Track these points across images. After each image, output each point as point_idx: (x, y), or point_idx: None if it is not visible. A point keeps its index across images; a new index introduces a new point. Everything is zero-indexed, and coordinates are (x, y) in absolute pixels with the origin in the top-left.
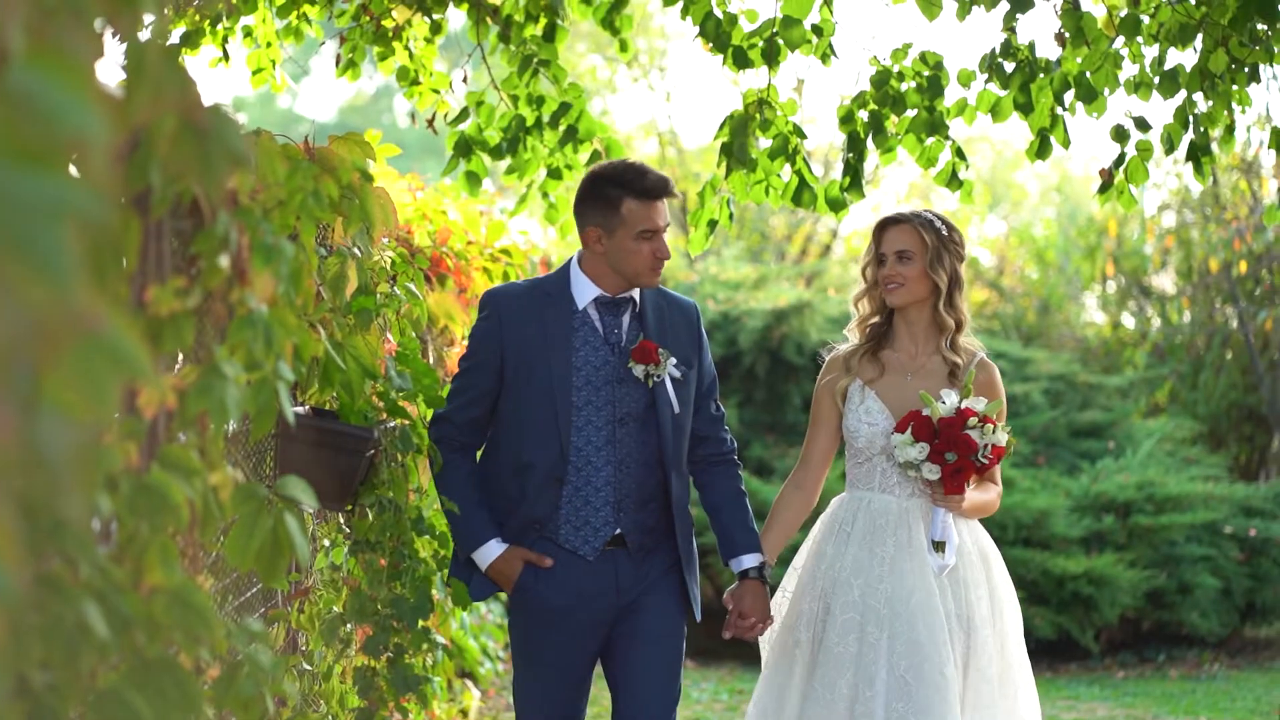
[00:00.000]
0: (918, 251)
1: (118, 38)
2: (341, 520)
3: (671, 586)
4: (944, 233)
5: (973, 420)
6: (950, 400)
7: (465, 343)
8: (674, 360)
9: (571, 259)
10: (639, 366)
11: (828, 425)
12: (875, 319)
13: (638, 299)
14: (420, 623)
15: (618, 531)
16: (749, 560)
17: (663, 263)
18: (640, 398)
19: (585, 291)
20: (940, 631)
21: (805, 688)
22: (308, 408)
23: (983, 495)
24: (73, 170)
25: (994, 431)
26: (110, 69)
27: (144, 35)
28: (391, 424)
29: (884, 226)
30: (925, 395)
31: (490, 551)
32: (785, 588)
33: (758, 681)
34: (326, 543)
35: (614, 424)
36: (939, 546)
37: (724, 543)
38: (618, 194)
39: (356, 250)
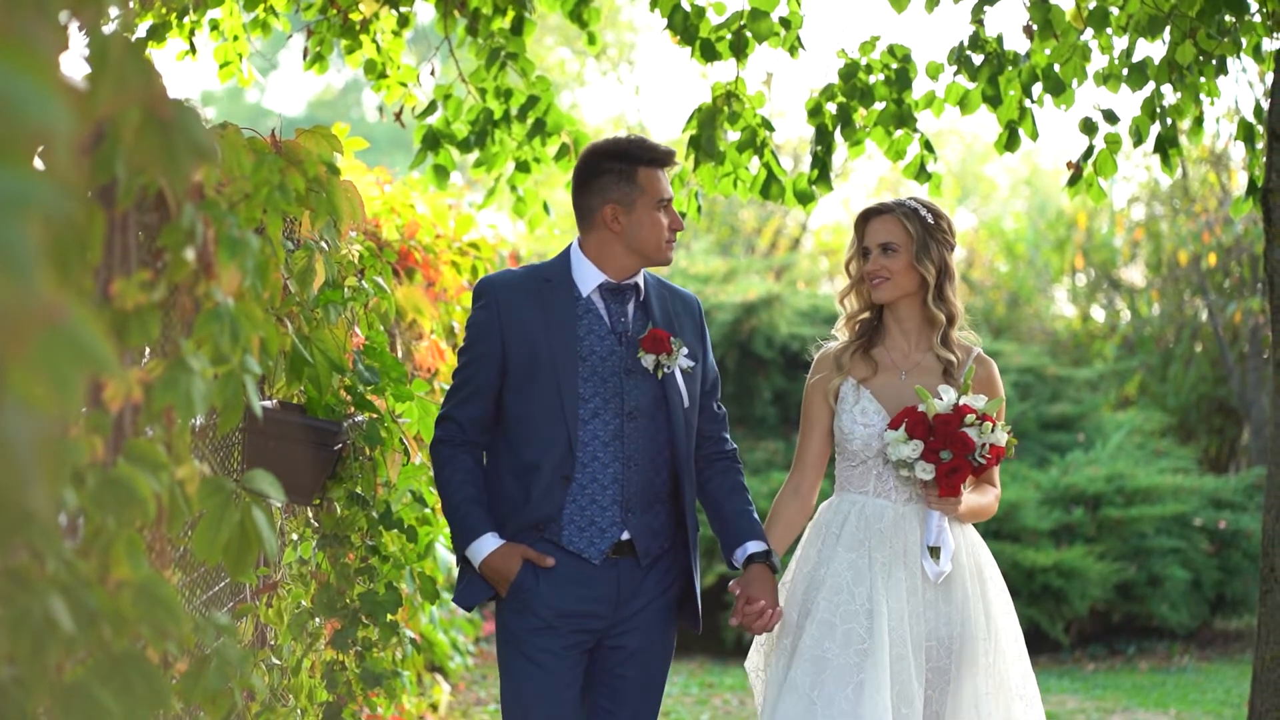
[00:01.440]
0: (902, 243)
1: (82, 30)
2: (310, 514)
3: (664, 618)
4: (930, 221)
5: (970, 418)
6: (948, 397)
7: (434, 337)
8: (685, 351)
9: (571, 245)
10: (649, 357)
11: (821, 425)
12: (864, 315)
13: (642, 286)
14: (389, 617)
15: (626, 537)
16: (754, 545)
17: (676, 235)
18: (649, 391)
19: (589, 277)
20: (916, 653)
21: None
22: (275, 401)
23: (980, 498)
24: (37, 163)
25: (993, 430)
26: (74, 61)
27: (108, 28)
28: (359, 418)
29: (866, 218)
30: (922, 390)
31: (485, 545)
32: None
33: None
34: (295, 537)
35: (622, 418)
36: (934, 553)
37: (728, 532)
38: (630, 166)
39: (324, 244)
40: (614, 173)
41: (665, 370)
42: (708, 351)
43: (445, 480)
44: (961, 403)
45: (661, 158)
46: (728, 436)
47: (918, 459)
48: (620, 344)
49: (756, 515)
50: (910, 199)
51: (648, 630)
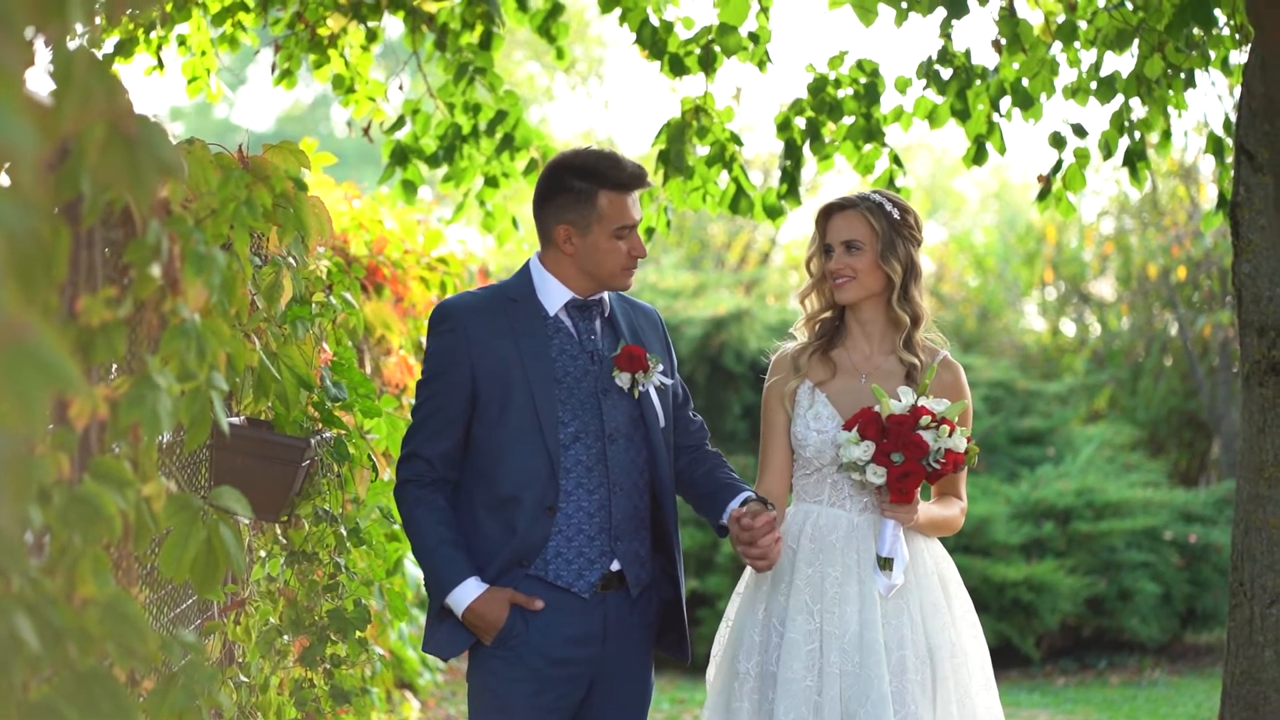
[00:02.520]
0: (867, 241)
1: (47, 46)
2: (278, 531)
3: (645, 646)
4: (896, 217)
5: (926, 420)
6: (906, 398)
7: (403, 353)
8: (661, 367)
9: (530, 261)
10: (624, 375)
11: (780, 430)
12: (825, 315)
13: (607, 301)
14: (357, 634)
15: (616, 567)
16: (747, 492)
17: (637, 262)
18: (626, 411)
19: (555, 295)
20: (877, 667)
21: None
22: (243, 418)
23: (942, 511)
24: (2, 179)
25: (950, 435)
26: (39, 77)
27: (73, 43)
28: (327, 434)
29: (828, 213)
30: (878, 390)
31: (468, 592)
32: (727, 616)
33: (704, 711)
34: (263, 554)
35: (604, 441)
36: (885, 564)
37: (714, 495)
38: (591, 186)
39: (291, 259)
40: (573, 192)
41: (641, 389)
42: (673, 364)
43: (417, 523)
44: (920, 404)
45: (628, 181)
46: (709, 443)
47: (868, 461)
48: (593, 363)
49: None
50: (875, 192)
51: (629, 660)
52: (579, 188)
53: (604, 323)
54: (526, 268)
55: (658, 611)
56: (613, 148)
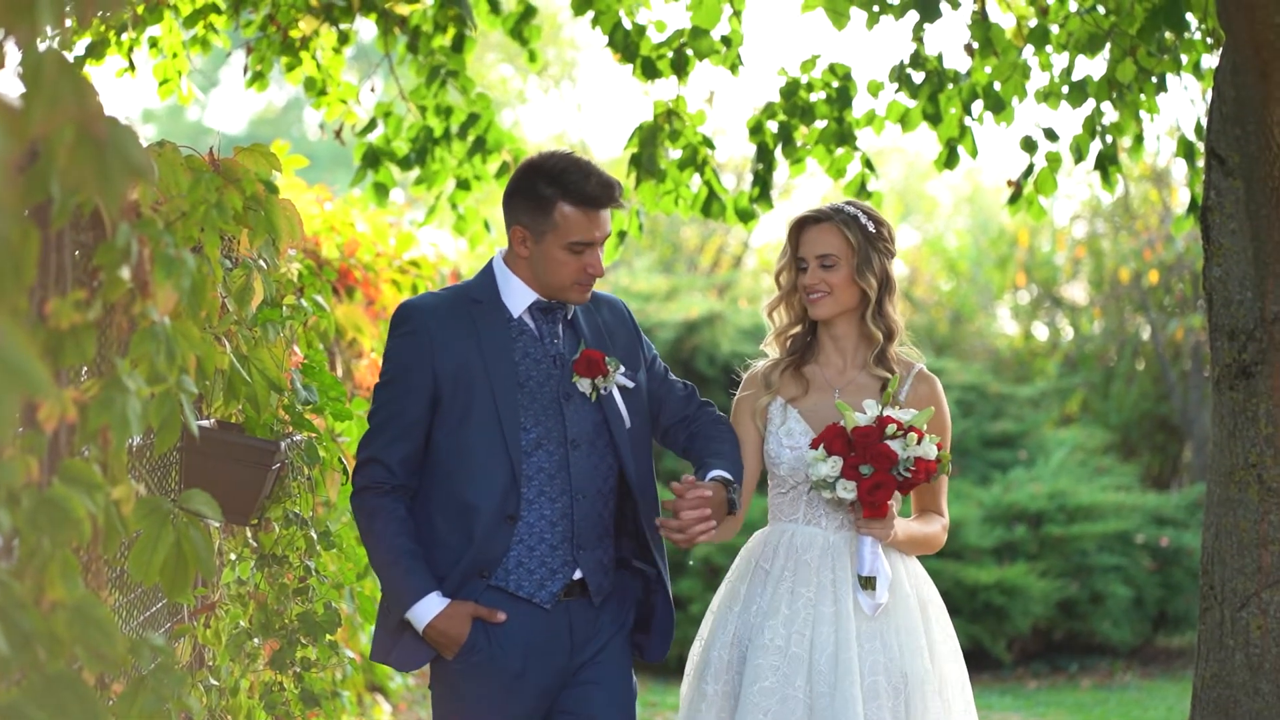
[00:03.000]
0: (843, 255)
1: (17, 48)
2: (248, 534)
3: (622, 655)
4: (871, 230)
5: (892, 429)
6: (871, 410)
7: (374, 355)
8: (622, 369)
9: (493, 260)
10: (584, 380)
11: (749, 444)
12: (796, 330)
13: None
14: (328, 637)
15: (578, 576)
16: (722, 472)
17: (593, 280)
18: (589, 416)
19: (519, 296)
20: (850, 689)
21: None
22: (213, 421)
23: (923, 527)
24: None
25: (919, 443)
26: (8, 79)
27: (43, 46)
28: (298, 437)
29: (801, 226)
30: (841, 404)
31: (429, 607)
32: (700, 634)
33: None
34: (233, 557)
35: (566, 447)
36: (867, 583)
37: (701, 450)
38: (553, 195)
39: (262, 262)
40: (533, 196)
41: (602, 392)
42: (645, 347)
43: (377, 533)
44: (885, 414)
45: (590, 197)
46: (706, 400)
47: (838, 477)
48: (556, 367)
49: (738, 455)
50: (848, 204)
51: (608, 668)
52: (540, 193)
53: (566, 325)
54: (489, 267)
55: (631, 608)
56: (586, 151)
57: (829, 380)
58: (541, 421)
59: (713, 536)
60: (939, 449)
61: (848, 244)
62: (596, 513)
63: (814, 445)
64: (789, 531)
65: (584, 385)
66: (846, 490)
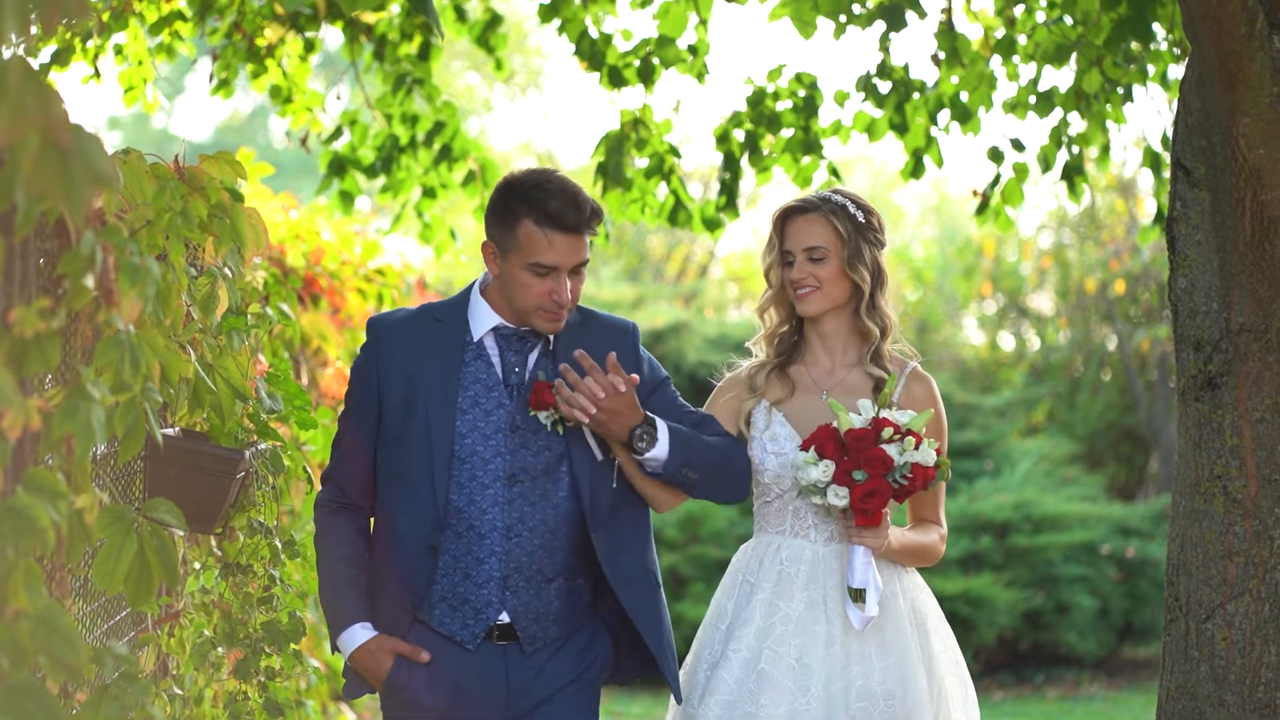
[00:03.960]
0: (832, 247)
1: None
2: (213, 543)
3: (576, 710)
4: (861, 219)
5: (889, 432)
6: (866, 412)
7: (340, 364)
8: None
9: (475, 281)
10: (543, 413)
11: None
12: (785, 329)
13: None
14: (292, 646)
15: (504, 619)
16: (661, 419)
17: (561, 309)
18: (541, 450)
19: (483, 319)
20: (840, 713)
21: None
22: (177, 429)
23: (919, 536)
24: None
25: (917, 448)
26: None
27: (7, 53)
28: (263, 446)
29: (787, 217)
30: (834, 404)
31: (353, 638)
32: (687, 663)
33: None
34: (197, 566)
35: (503, 481)
36: (857, 595)
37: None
38: (519, 210)
39: (227, 270)
40: (502, 211)
41: (568, 425)
42: (648, 371)
43: (320, 551)
44: (881, 416)
45: (553, 218)
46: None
47: (829, 482)
48: (510, 398)
49: (704, 442)
50: (834, 192)
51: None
52: (508, 208)
53: (542, 355)
54: (468, 289)
55: (599, 659)
56: (552, 160)
57: (816, 381)
58: (479, 451)
59: (602, 424)
60: (937, 454)
61: (837, 235)
62: (536, 554)
63: (804, 447)
64: (775, 544)
65: (544, 418)
66: (838, 497)
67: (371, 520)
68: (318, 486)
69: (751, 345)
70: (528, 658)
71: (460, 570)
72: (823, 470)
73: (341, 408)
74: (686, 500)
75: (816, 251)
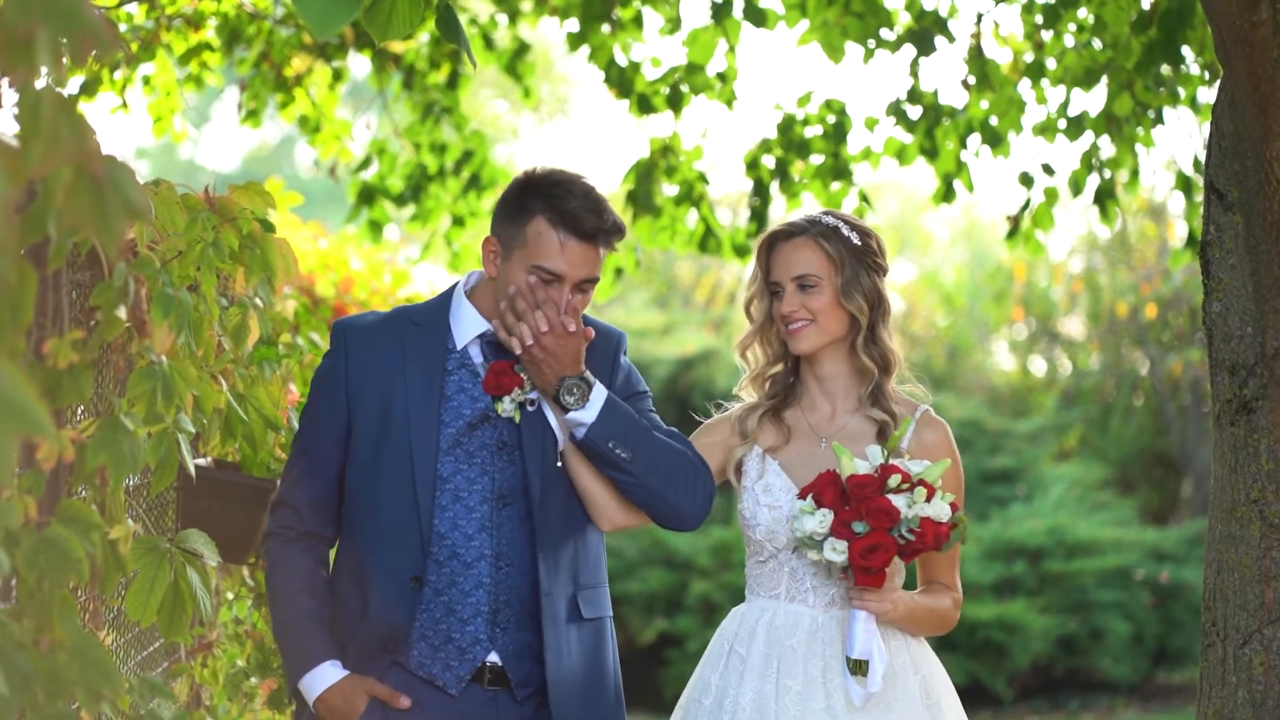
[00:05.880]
0: (824, 274)
1: (12, 87)
2: (245, 573)
3: None
4: (856, 242)
5: (895, 480)
6: (874, 457)
7: None
8: (534, 392)
9: (459, 282)
10: (505, 401)
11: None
12: (777, 369)
13: None
14: None
15: (494, 659)
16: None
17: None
18: (532, 467)
19: (468, 325)
20: None
21: None
22: (209, 460)
23: (930, 601)
24: None
25: (928, 501)
26: (5, 119)
27: (40, 83)
28: None
29: (772, 244)
30: (838, 447)
31: (322, 678)
32: None
33: None
34: (230, 596)
35: (491, 503)
36: (858, 667)
37: None
38: (533, 206)
39: (258, 300)
40: (515, 205)
41: (530, 407)
42: (621, 379)
43: (275, 588)
44: (889, 463)
45: (571, 218)
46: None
47: (826, 535)
48: (495, 411)
49: (652, 432)
50: (826, 214)
51: None
52: (521, 202)
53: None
54: (448, 291)
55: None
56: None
57: (815, 427)
58: (463, 470)
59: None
60: (953, 510)
61: (829, 260)
62: (525, 586)
63: (802, 495)
64: (769, 610)
65: (507, 407)
66: (835, 551)
67: (332, 552)
68: None
69: (738, 390)
70: (520, 705)
71: (443, 604)
72: (819, 520)
73: (299, 423)
74: (641, 521)
75: (808, 279)
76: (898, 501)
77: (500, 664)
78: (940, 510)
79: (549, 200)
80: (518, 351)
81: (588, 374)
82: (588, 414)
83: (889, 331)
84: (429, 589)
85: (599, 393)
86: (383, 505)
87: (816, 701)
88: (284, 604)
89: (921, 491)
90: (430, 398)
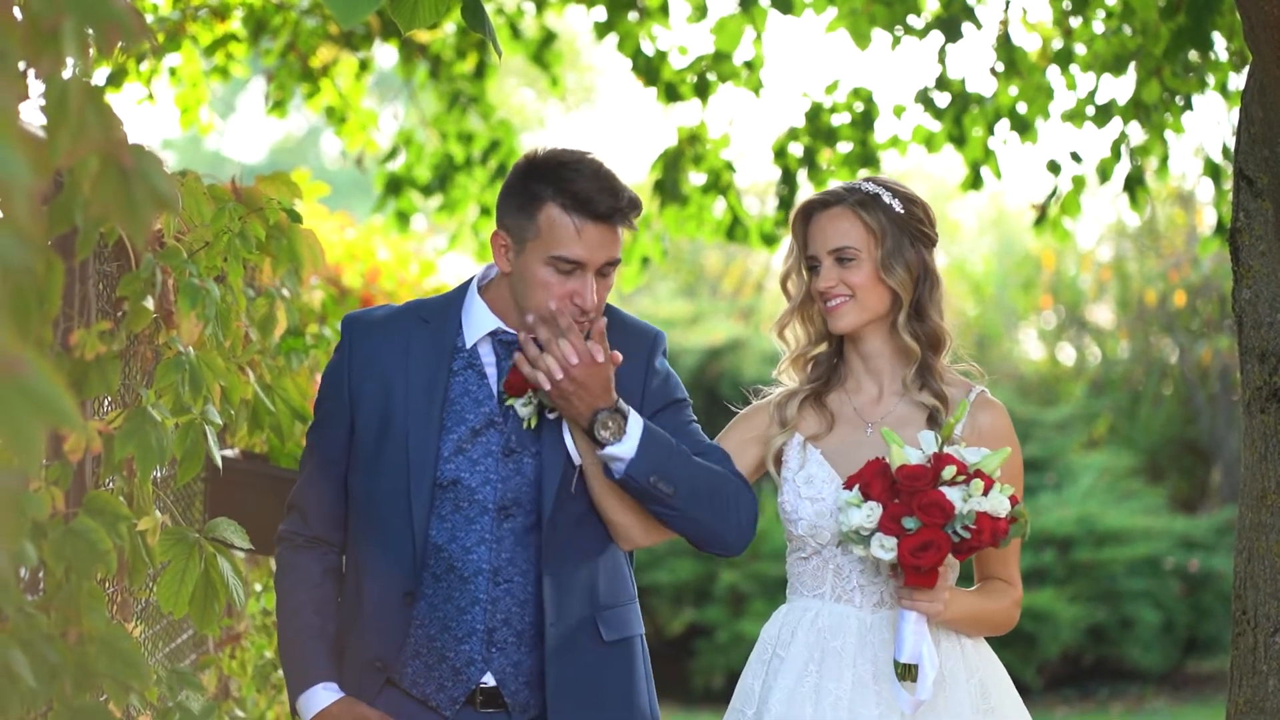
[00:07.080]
0: (864, 246)
1: (39, 78)
2: (273, 564)
3: None
4: (899, 210)
5: (951, 471)
6: (927, 445)
7: None
8: None
9: (473, 277)
10: (519, 401)
11: (748, 458)
12: (820, 349)
13: None
14: None
15: (488, 681)
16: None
17: (584, 317)
18: (543, 476)
19: (479, 322)
20: None
21: None
22: (237, 451)
23: (987, 601)
24: None
25: (986, 495)
26: (33, 109)
27: (67, 74)
28: None
29: (809, 215)
30: (888, 433)
31: (315, 700)
32: None
33: None
34: (258, 587)
35: (494, 513)
36: (907, 672)
37: None
38: (541, 192)
39: (285, 291)
40: (521, 193)
41: (551, 414)
42: (656, 384)
43: (280, 596)
44: (944, 452)
45: (584, 200)
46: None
47: (874, 530)
48: (505, 416)
49: (677, 448)
50: (867, 180)
51: None
52: (528, 189)
53: None
54: (463, 287)
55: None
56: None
57: (860, 412)
58: (464, 477)
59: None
60: (1013, 503)
61: (868, 231)
62: (529, 602)
63: (848, 485)
64: (813, 610)
65: (524, 409)
66: (884, 548)
67: (343, 559)
68: None
69: (778, 374)
70: None
71: (437, 621)
72: (866, 514)
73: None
74: (668, 536)
75: (845, 252)
76: (952, 495)
77: (495, 686)
78: (999, 505)
79: (558, 184)
80: (546, 388)
81: (621, 404)
82: (625, 448)
83: (939, 308)
84: (424, 603)
85: (635, 423)
86: (378, 512)
87: (868, 708)
88: (287, 616)
89: (978, 484)
90: (432, 400)
